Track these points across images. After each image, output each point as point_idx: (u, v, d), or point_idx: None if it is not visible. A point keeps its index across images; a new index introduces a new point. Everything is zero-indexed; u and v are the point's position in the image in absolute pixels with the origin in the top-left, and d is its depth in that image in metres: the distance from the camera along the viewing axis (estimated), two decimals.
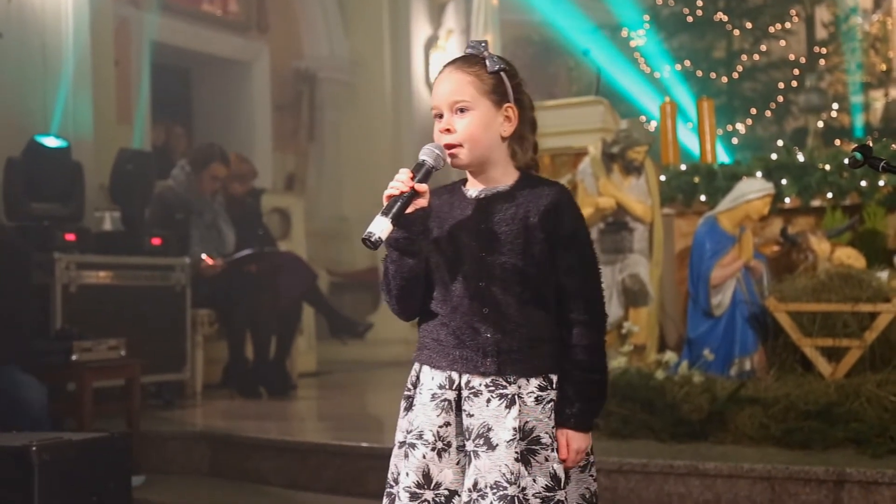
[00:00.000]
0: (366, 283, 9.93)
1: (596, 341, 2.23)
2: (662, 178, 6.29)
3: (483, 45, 2.27)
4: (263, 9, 10.23)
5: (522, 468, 2.15)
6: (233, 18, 9.99)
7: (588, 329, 2.22)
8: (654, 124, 9.69)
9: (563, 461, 2.19)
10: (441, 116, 2.24)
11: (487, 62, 2.23)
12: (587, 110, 6.68)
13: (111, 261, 6.02)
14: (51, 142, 6.03)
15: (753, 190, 5.62)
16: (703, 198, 6.29)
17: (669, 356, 5.16)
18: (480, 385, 2.19)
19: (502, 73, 2.24)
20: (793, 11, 12.73)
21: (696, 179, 6.35)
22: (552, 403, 2.20)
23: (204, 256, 6.65)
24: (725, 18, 12.27)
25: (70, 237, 5.83)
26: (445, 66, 2.28)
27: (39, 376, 4.62)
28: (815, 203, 6.18)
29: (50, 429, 4.29)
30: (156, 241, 6.34)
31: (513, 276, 2.19)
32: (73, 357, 5.02)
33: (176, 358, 6.39)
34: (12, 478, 3.45)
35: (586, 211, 5.78)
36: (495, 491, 2.12)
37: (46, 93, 6.45)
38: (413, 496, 2.18)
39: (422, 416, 2.22)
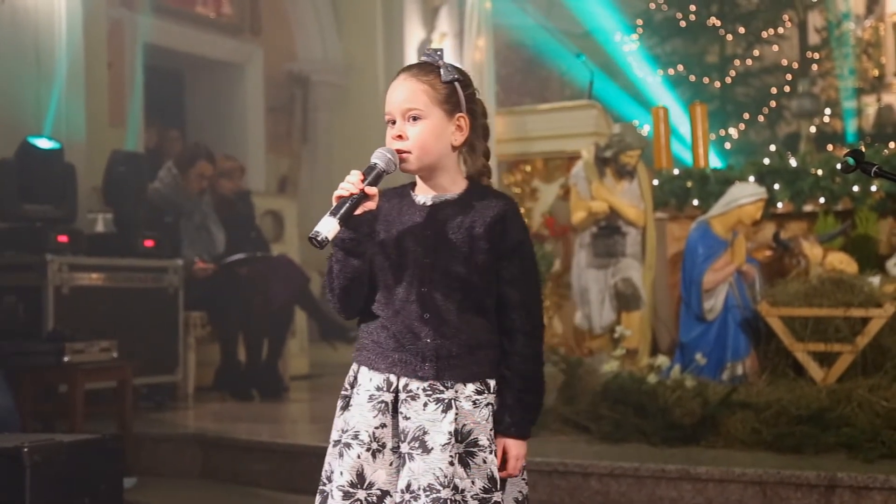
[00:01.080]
0: None
1: (535, 350, 2.28)
2: (655, 182, 6.30)
3: (438, 53, 2.30)
4: (257, 11, 10.22)
5: (460, 470, 2.18)
6: (226, 21, 9.98)
7: (528, 338, 2.27)
8: (647, 128, 9.70)
9: (500, 469, 2.23)
10: (394, 122, 2.27)
11: (442, 72, 2.26)
12: (580, 114, 6.71)
13: (103, 263, 6.00)
14: (43, 143, 6.01)
15: (746, 195, 5.63)
16: (695, 202, 6.30)
17: (662, 360, 5.17)
18: (418, 389, 2.22)
19: (456, 84, 2.26)
20: (785, 17, 12.79)
21: (689, 184, 6.36)
22: (490, 407, 2.24)
23: (196, 260, 6.65)
24: (718, 23, 12.31)
25: (62, 239, 5.82)
26: (400, 73, 2.30)
27: (31, 377, 4.61)
28: (808, 208, 6.19)
29: (18, 429, 4.27)
30: (148, 243, 6.33)
31: (455, 282, 2.23)
32: (66, 358, 5.01)
33: (168, 360, 6.38)
34: (4, 479, 3.44)
35: (579, 215, 5.81)
36: (428, 493, 2.15)
37: (39, 94, 6.44)
38: (346, 495, 2.21)
39: (358, 417, 2.25)
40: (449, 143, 2.26)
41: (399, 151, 2.23)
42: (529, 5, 12.11)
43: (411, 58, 11.07)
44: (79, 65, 6.72)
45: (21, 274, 5.65)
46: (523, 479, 2.33)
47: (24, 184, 5.83)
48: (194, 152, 7.01)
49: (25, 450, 3.43)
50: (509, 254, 2.25)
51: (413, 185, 2.34)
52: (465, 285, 2.23)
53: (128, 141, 7.92)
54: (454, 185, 2.30)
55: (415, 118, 2.24)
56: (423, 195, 2.30)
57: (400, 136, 2.24)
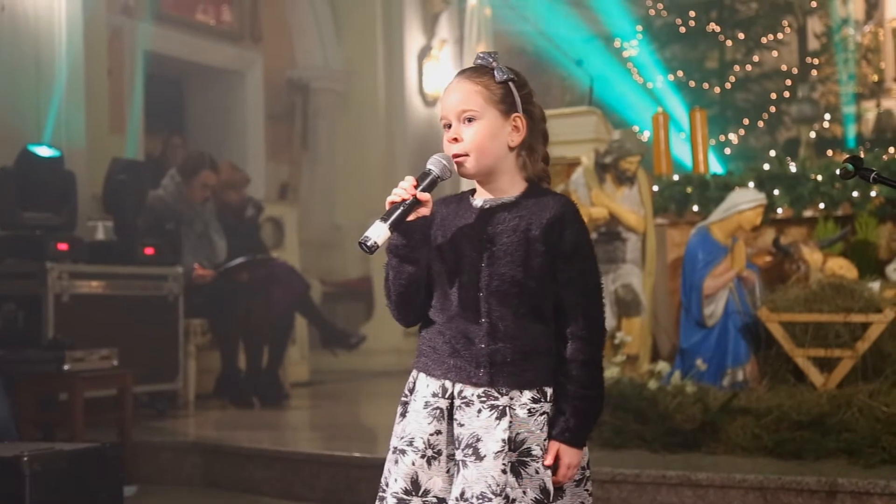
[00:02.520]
0: (359, 293, 9.92)
1: (593, 357, 2.23)
2: (655, 188, 6.30)
3: (493, 55, 2.27)
4: (257, 19, 10.23)
5: (512, 479, 2.15)
6: (226, 28, 9.99)
7: (586, 344, 2.22)
8: (647, 134, 9.70)
9: (547, 468, 2.19)
10: (450, 126, 2.24)
11: (496, 72, 2.24)
12: (580, 120, 6.69)
13: (104, 270, 6.01)
14: (43, 151, 6.02)
15: (746, 200, 5.63)
16: (695, 208, 6.30)
17: (662, 366, 5.16)
18: (472, 395, 2.19)
19: (510, 84, 2.24)
20: (785, 22, 12.79)
21: (689, 190, 6.36)
22: (545, 416, 2.20)
23: (196, 266, 6.64)
24: (718, 29, 12.31)
25: (62, 247, 5.82)
26: (455, 77, 2.28)
27: (31, 385, 4.61)
28: (808, 213, 6.19)
29: (15, 438, 4.27)
30: (149, 251, 6.33)
31: (511, 287, 2.19)
32: (66, 367, 5.02)
33: (168, 368, 6.38)
34: (3, 487, 3.45)
35: None
36: (480, 501, 2.12)
37: (39, 102, 6.45)
38: (401, 502, 2.20)
39: (414, 424, 2.23)
40: (506, 143, 2.23)
41: (457, 156, 2.21)
42: (530, 11, 12.12)
43: (412, 64, 11.09)
44: (79, 72, 6.73)
45: (21, 282, 5.66)
46: (587, 490, 2.29)
47: (24, 191, 5.83)
48: (198, 161, 7.02)
49: (25, 458, 3.43)
50: (567, 257, 2.21)
51: (473, 190, 2.31)
52: (521, 290, 2.19)
53: (128, 148, 7.93)
54: (513, 187, 2.26)
55: (470, 119, 2.21)
56: (481, 198, 2.27)
57: (456, 139, 2.22)
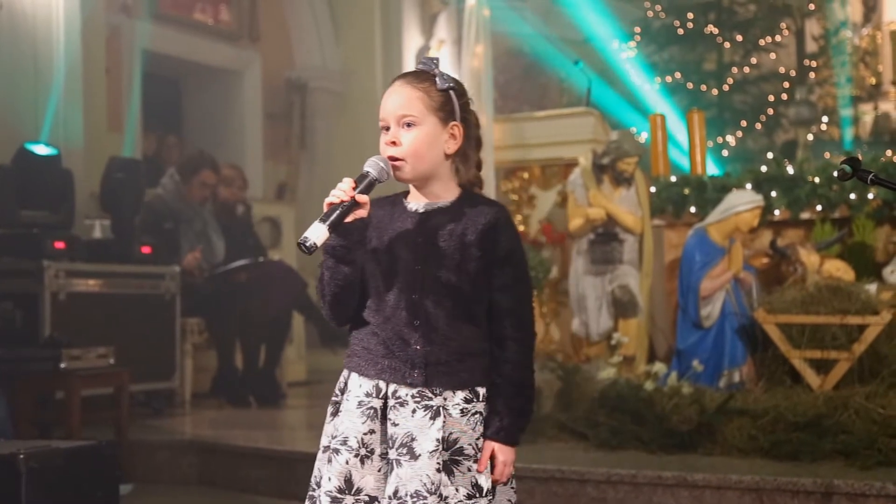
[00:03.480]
0: None
1: (526, 357, 2.29)
2: (652, 189, 6.31)
3: (434, 62, 2.31)
4: (255, 18, 10.23)
5: (445, 478, 2.19)
6: (224, 28, 9.99)
7: (519, 345, 2.27)
8: (644, 136, 9.71)
9: (480, 471, 2.23)
10: (388, 129, 2.27)
11: (437, 80, 2.27)
12: (578, 121, 6.72)
13: (101, 269, 6.00)
14: (41, 149, 6.02)
15: (743, 202, 5.63)
16: (692, 209, 6.30)
17: (659, 367, 5.16)
18: (407, 395, 2.22)
19: (451, 92, 2.27)
20: (783, 25, 12.82)
21: (686, 191, 6.36)
22: (478, 416, 2.25)
23: (188, 253, 6.63)
24: (716, 31, 12.33)
25: (59, 245, 5.82)
26: (396, 80, 2.31)
27: (28, 384, 4.60)
28: (805, 215, 6.19)
29: (11, 437, 4.27)
30: (146, 250, 6.33)
31: (446, 290, 2.23)
32: (62, 365, 5.01)
33: (165, 366, 6.37)
34: (0, 485, 3.44)
35: (576, 222, 5.81)
36: (415, 500, 2.16)
37: (37, 100, 6.45)
38: (334, 500, 2.22)
39: (347, 423, 2.26)
40: (442, 150, 2.27)
41: (393, 160, 2.24)
42: (528, 13, 12.12)
43: (409, 65, 11.09)
44: (77, 71, 6.73)
45: (18, 280, 5.65)
46: (512, 488, 2.33)
47: (21, 190, 5.83)
48: (198, 160, 7.01)
49: (22, 456, 3.43)
50: (501, 262, 2.26)
51: (406, 193, 2.34)
52: (456, 293, 2.23)
53: (125, 147, 7.93)
54: (447, 192, 2.30)
55: (409, 125, 2.25)
56: (416, 202, 2.31)
57: (394, 143, 2.25)
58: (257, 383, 6.75)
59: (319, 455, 2.29)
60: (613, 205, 5.73)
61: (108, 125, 7.81)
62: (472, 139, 2.32)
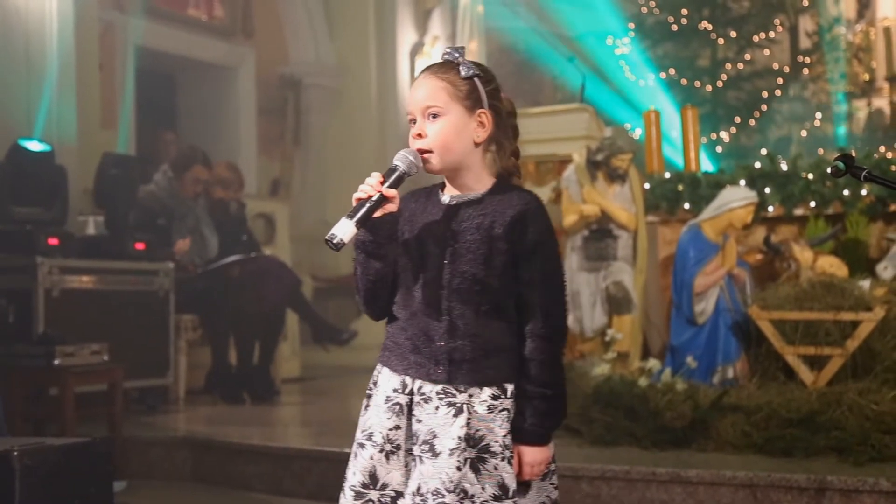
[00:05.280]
0: (350, 289, 9.75)
1: (552, 356, 2.22)
2: (647, 185, 6.31)
3: (459, 51, 2.27)
4: (249, 14, 10.21)
5: (471, 475, 2.16)
6: (218, 23, 9.97)
7: (545, 343, 2.21)
8: (638, 132, 9.71)
9: (517, 474, 2.20)
10: (415, 122, 2.24)
11: (461, 68, 2.23)
12: (572, 118, 6.71)
13: (94, 265, 6.00)
14: (34, 146, 6.01)
15: (737, 198, 5.64)
16: (686, 206, 6.31)
17: (653, 364, 5.16)
18: (431, 392, 2.20)
19: (476, 79, 2.23)
20: (777, 21, 12.81)
21: (680, 187, 6.37)
22: (505, 413, 2.20)
23: (178, 241, 6.64)
24: (710, 27, 12.33)
25: (53, 241, 5.81)
26: (421, 72, 2.28)
27: (21, 380, 4.59)
28: (798, 212, 6.20)
29: (5, 433, 4.26)
30: (139, 246, 6.32)
31: (472, 285, 2.19)
32: (56, 361, 5.01)
33: (159, 363, 6.37)
34: None
35: (570, 218, 5.81)
36: (435, 497, 2.14)
37: (30, 97, 6.43)
38: (358, 495, 2.22)
39: (374, 418, 2.25)
40: (471, 139, 2.23)
41: (421, 152, 2.20)
42: (522, 9, 12.12)
43: (404, 60, 11.09)
44: (70, 67, 6.72)
45: (11, 276, 5.64)
46: (552, 484, 2.29)
47: (14, 186, 5.82)
48: (190, 156, 7.01)
49: (15, 453, 3.42)
50: (529, 254, 2.20)
51: (443, 185, 2.30)
52: (483, 287, 2.19)
53: (119, 143, 7.92)
54: (479, 183, 2.26)
55: (434, 115, 2.21)
56: (448, 194, 2.27)
57: (420, 135, 2.21)
58: (251, 380, 6.75)
59: (353, 449, 2.28)
60: (607, 201, 5.73)
61: (102, 121, 7.80)
62: (506, 127, 2.28)
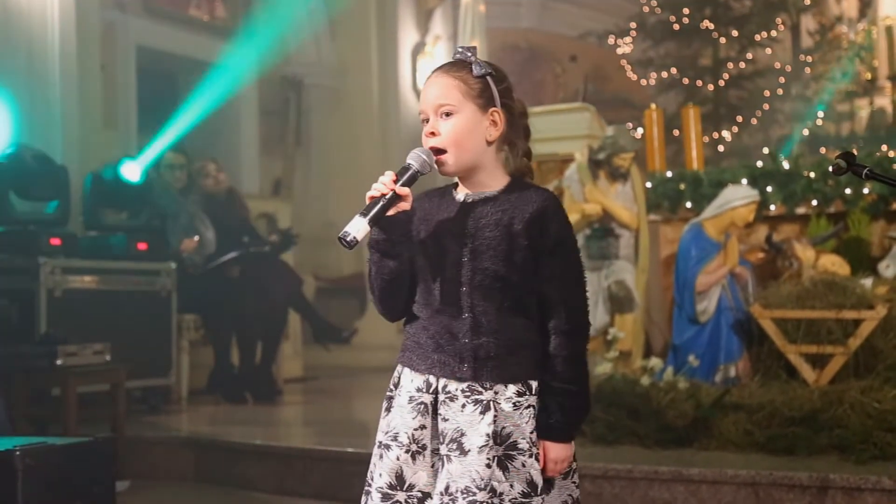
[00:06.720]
0: (352, 289, 9.91)
1: (576, 351, 2.22)
2: (648, 184, 6.31)
3: (471, 50, 2.27)
4: (250, 14, 10.21)
5: (499, 473, 2.15)
6: (220, 23, 9.97)
7: (569, 339, 2.21)
8: (640, 131, 9.71)
9: (542, 470, 2.19)
10: (428, 121, 2.24)
11: (473, 67, 2.23)
12: (574, 117, 6.71)
13: (96, 265, 6.00)
14: (36, 146, 6.01)
15: (739, 197, 5.64)
16: (688, 204, 6.31)
17: (655, 362, 5.17)
18: (456, 390, 2.19)
19: (488, 78, 2.23)
20: (779, 20, 12.81)
21: (682, 186, 6.37)
22: (531, 409, 2.19)
23: (183, 240, 6.63)
24: (712, 26, 12.33)
25: (55, 242, 5.81)
26: (433, 71, 2.28)
27: (24, 380, 4.59)
28: (800, 210, 6.20)
29: (8, 433, 4.26)
30: (141, 246, 6.32)
31: (494, 282, 2.18)
32: (58, 362, 5.01)
33: (161, 363, 6.38)
34: None
35: (572, 217, 5.78)
36: (465, 496, 2.13)
37: (32, 96, 6.43)
38: (385, 497, 2.20)
39: (398, 419, 2.23)
40: (484, 138, 2.22)
41: (435, 150, 2.20)
42: (523, 8, 12.13)
43: (405, 60, 11.09)
44: (72, 67, 6.72)
45: (14, 277, 5.65)
46: (574, 483, 2.29)
47: (17, 186, 5.82)
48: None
49: (18, 453, 3.42)
50: (550, 251, 2.20)
51: (456, 184, 2.30)
52: (504, 284, 2.18)
53: (121, 143, 7.91)
54: (494, 181, 2.25)
55: (447, 114, 2.21)
56: (463, 193, 2.27)
57: (433, 133, 2.21)
58: (254, 380, 6.75)
59: (374, 451, 2.27)
60: (609, 200, 5.73)
61: (104, 122, 7.80)
62: (518, 127, 2.28)
